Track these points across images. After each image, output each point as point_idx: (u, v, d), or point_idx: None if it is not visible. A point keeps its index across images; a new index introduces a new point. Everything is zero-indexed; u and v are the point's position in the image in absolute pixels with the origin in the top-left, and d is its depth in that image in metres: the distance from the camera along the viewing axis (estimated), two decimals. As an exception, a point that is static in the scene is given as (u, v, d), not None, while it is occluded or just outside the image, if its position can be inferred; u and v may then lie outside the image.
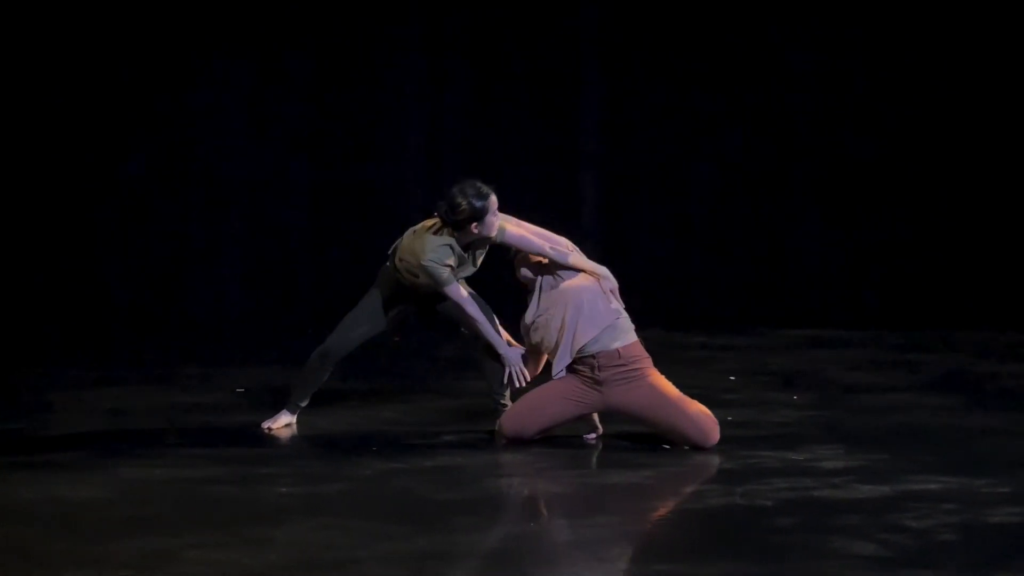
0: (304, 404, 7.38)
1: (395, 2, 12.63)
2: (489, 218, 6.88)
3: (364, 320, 7.26)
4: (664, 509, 5.84)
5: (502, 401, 7.21)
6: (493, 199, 6.89)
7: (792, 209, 13.20)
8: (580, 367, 6.81)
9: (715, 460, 6.61)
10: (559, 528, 5.40)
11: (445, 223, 6.93)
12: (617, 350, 6.79)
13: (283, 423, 7.34)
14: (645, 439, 7.00)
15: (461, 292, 6.99)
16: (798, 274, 13.15)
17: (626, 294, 6.97)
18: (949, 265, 13.07)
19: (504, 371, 7.08)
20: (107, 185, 12.11)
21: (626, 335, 6.83)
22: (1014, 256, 12.92)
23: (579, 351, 6.78)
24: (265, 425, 7.32)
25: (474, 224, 6.87)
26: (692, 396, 6.91)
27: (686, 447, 6.76)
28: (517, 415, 6.93)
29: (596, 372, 6.78)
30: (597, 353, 6.78)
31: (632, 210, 13.03)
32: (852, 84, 13.13)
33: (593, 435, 7.09)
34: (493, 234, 6.94)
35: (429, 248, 6.92)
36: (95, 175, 12.07)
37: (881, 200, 13.20)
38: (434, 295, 7.12)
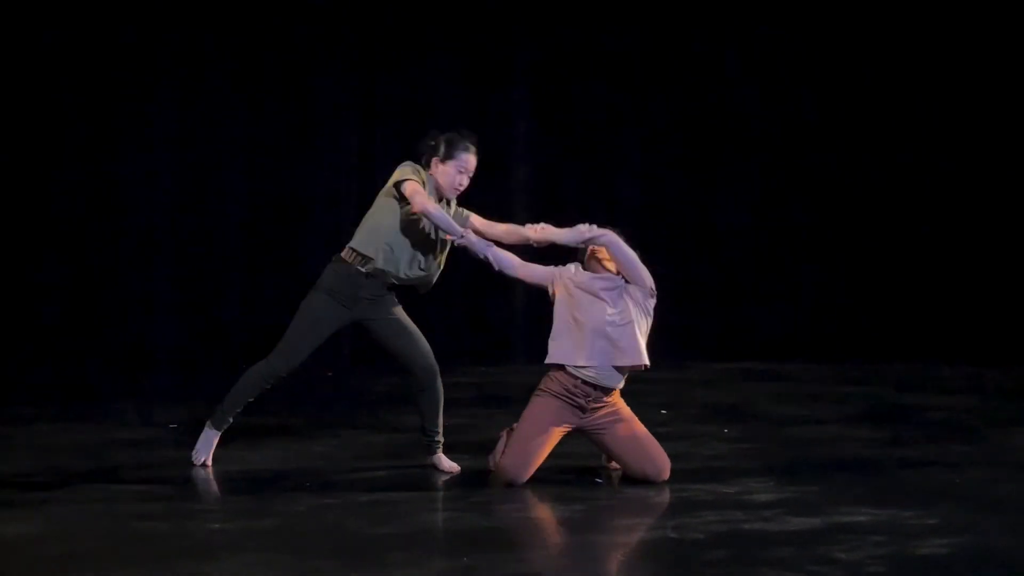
0: (229, 423, 7.26)
1: (328, 20, 12.71)
2: (451, 167, 6.81)
3: (308, 335, 6.99)
4: (596, 543, 5.85)
5: (436, 439, 7.21)
6: (471, 157, 6.84)
7: (722, 242, 13.31)
8: (574, 391, 6.81)
9: (647, 494, 6.64)
10: (492, 562, 5.40)
11: (421, 153, 6.88)
12: (614, 390, 6.86)
13: (208, 443, 7.22)
14: (578, 472, 7.03)
15: (428, 204, 6.70)
16: (729, 307, 13.25)
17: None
18: (876, 299, 13.22)
19: (438, 409, 7.13)
20: (37, 220, 12.03)
21: (622, 382, 6.89)
22: (938, 290, 13.09)
23: (613, 365, 6.76)
24: (196, 457, 7.24)
25: (436, 159, 6.84)
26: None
27: (633, 479, 6.81)
28: (516, 456, 6.80)
29: (587, 401, 6.81)
30: (598, 385, 6.79)
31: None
32: (780, 116, 13.28)
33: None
34: (449, 190, 6.86)
35: (398, 170, 6.85)
36: (25, 210, 11.98)
37: (809, 234, 13.34)
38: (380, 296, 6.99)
